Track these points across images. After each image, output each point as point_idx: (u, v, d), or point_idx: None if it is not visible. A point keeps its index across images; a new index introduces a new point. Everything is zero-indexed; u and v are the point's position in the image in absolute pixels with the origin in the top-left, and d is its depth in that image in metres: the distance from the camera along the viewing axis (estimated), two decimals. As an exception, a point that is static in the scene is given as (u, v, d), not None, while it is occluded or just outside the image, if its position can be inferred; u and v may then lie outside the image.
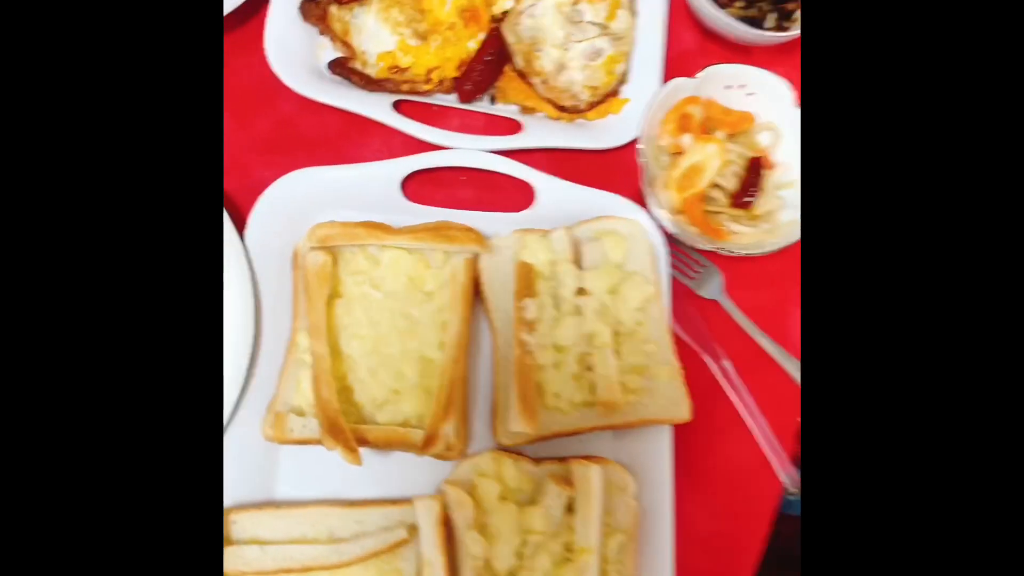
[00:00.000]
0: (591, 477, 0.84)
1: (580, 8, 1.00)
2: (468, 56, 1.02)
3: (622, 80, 1.03)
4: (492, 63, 1.01)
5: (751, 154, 0.97)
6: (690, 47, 1.07)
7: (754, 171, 0.96)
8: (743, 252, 0.93)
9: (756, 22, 0.99)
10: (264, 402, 0.91)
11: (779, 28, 0.99)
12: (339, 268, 0.93)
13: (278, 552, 0.84)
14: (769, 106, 0.98)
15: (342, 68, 1.01)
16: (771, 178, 0.97)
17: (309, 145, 1.02)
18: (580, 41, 1.00)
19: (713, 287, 1.00)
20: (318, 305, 0.89)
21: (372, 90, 1.01)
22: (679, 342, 0.95)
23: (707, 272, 1.00)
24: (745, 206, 0.96)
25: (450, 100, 1.03)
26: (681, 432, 0.92)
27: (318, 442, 0.86)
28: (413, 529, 0.85)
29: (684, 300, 0.99)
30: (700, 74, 0.95)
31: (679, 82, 0.95)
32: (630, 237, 0.94)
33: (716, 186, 0.97)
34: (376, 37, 1.01)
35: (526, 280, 0.91)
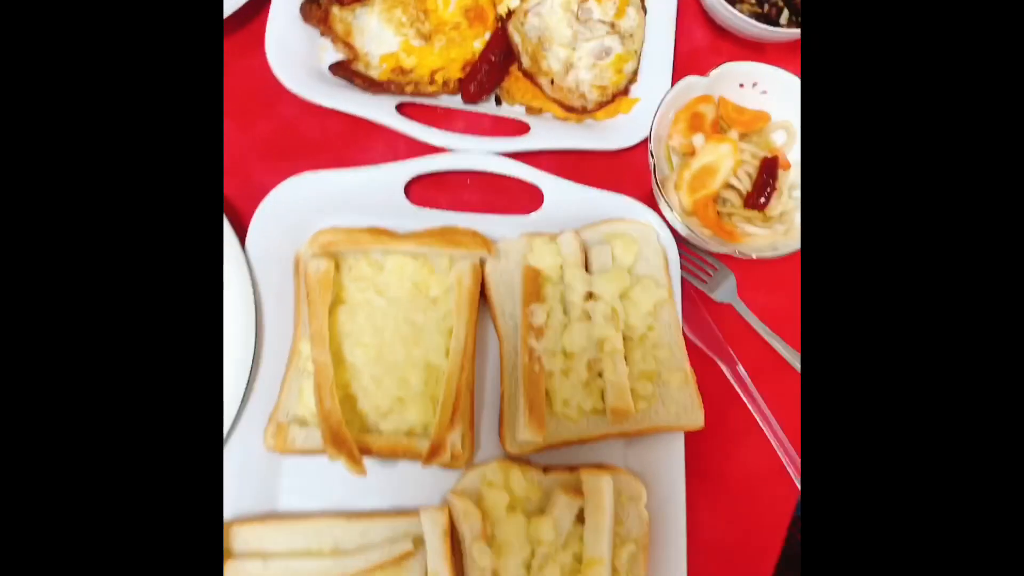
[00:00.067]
0: (601, 486, 0.84)
1: (588, 6, 0.99)
2: (473, 56, 1.01)
3: (632, 79, 1.03)
4: (498, 63, 1.01)
5: (765, 154, 0.96)
6: (701, 45, 1.06)
7: (768, 171, 0.94)
8: (757, 254, 0.92)
9: (769, 18, 0.98)
10: (266, 412, 0.90)
11: (793, 24, 0.97)
12: (342, 274, 0.92)
13: (281, 565, 0.83)
14: (783, 104, 0.96)
15: (344, 70, 1.00)
16: (786, 178, 0.96)
17: (311, 149, 1.01)
18: (588, 40, 0.99)
19: (726, 291, 0.98)
20: (320, 312, 0.88)
21: (375, 92, 1.00)
22: (691, 347, 0.94)
23: (720, 275, 0.98)
24: (759, 207, 0.94)
25: (455, 102, 1.02)
26: (694, 439, 0.91)
27: (321, 452, 0.86)
28: (419, 541, 0.84)
29: (696, 304, 0.98)
30: (713, 72, 0.94)
31: (691, 80, 0.94)
32: (641, 240, 0.93)
33: (729, 187, 0.95)
34: (379, 38, 1.01)
35: (534, 285, 0.91)
